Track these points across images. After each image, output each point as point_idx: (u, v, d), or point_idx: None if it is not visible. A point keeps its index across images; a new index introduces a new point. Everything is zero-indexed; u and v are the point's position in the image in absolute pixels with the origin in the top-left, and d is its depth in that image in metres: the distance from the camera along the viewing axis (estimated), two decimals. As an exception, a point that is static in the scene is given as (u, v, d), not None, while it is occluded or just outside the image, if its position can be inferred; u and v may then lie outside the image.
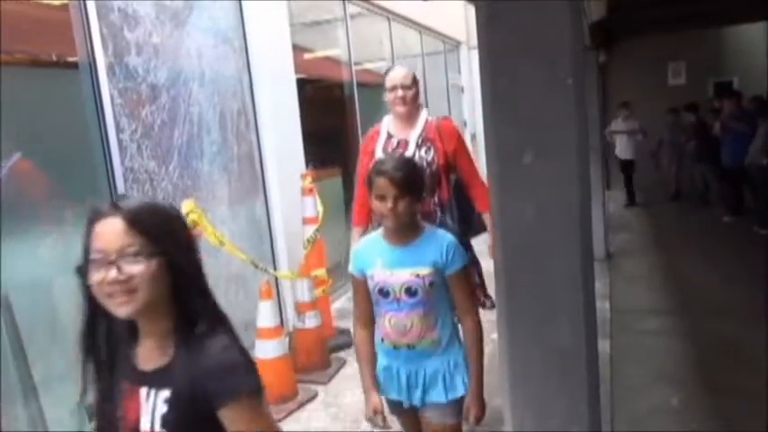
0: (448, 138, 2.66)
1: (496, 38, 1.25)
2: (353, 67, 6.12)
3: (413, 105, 2.66)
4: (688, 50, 10.54)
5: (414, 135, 2.65)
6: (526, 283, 1.31)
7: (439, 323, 1.92)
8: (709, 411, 3.00)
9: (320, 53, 6.29)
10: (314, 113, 5.31)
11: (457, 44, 10.38)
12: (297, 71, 4.78)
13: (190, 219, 2.80)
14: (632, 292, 5.07)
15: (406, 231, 1.89)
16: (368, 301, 1.96)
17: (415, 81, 2.68)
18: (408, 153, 2.58)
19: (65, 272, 2.96)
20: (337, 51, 6.16)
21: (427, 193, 2.45)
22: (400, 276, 1.87)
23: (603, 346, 3.65)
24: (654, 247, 6.79)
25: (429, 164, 2.59)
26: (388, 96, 2.67)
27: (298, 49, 5.06)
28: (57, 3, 3.02)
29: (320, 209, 3.99)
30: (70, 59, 2.97)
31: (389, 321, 1.91)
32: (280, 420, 3.11)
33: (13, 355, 2.51)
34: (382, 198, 1.82)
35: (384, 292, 1.89)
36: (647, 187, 9.49)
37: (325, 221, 4.08)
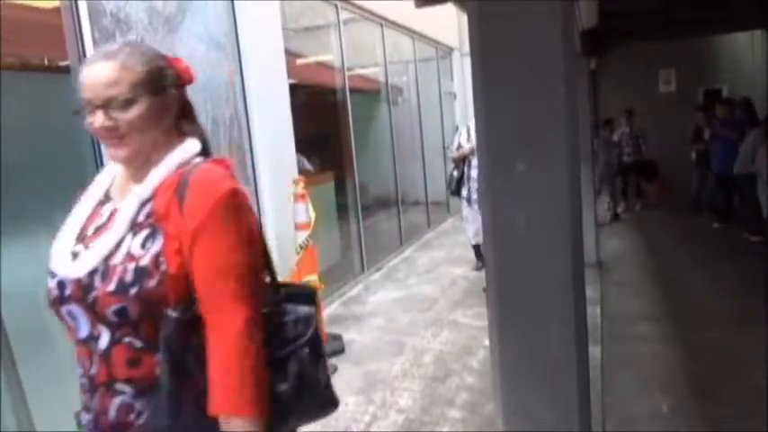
0: (192, 213, 1.13)
1: (488, 45, 1.26)
2: (346, 73, 6.13)
3: (134, 141, 1.18)
4: (678, 58, 10.62)
5: (131, 204, 1.19)
6: (517, 290, 1.32)
7: None
8: (699, 417, 3.01)
9: (313, 59, 6.31)
10: (306, 119, 5.31)
11: (449, 50, 10.41)
12: (289, 77, 4.78)
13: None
14: (623, 299, 5.09)
15: None
16: None
17: (137, 84, 1.15)
18: (107, 245, 1.16)
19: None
20: (330, 57, 6.17)
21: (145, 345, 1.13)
22: None
23: (594, 352, 3.66)
24: (645, 253, 6.82)
25: (139, 276, 1.11)
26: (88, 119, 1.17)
27: (290, 55, 5.07)
28: (48, 6, 3.01)
29: (312, 215, 4.00)
30: (62, 63, 2.95)
31: None
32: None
33: (1, 360, 2.48)
34: None
35: None
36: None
37: (318, 227, 4.10)
